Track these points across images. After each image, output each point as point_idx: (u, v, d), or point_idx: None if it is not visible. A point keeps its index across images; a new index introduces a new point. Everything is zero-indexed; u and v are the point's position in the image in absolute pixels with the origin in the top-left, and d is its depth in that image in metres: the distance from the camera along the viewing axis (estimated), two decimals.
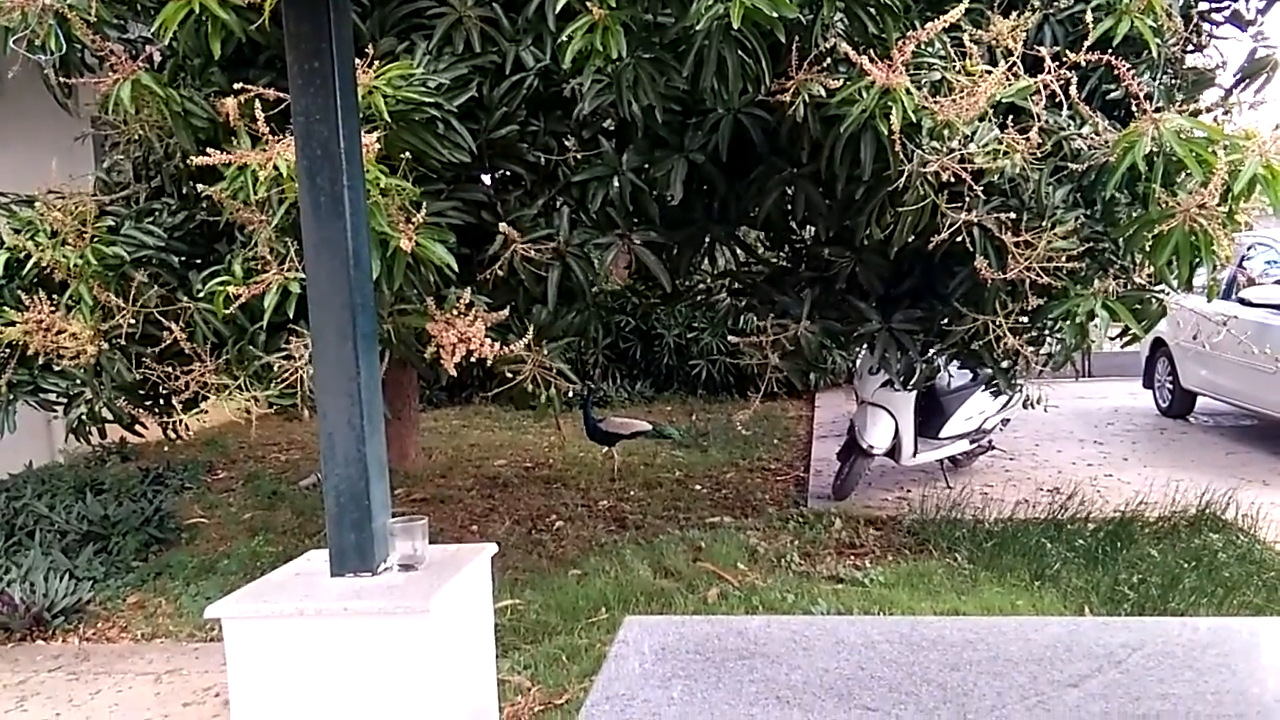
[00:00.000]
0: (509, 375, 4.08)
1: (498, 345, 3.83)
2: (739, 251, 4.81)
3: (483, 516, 6.53)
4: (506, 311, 3.94)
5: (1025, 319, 4.24)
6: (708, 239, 4.57)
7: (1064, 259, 3.83)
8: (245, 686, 1.98)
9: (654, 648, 2.12)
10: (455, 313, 3.65)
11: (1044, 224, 3.88)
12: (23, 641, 4.29)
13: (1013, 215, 3.85)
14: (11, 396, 4.68)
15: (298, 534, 6.11)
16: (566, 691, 3.49)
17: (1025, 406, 5.74)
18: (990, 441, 6.96)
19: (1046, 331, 4.42)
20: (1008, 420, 7.08)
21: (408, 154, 3.50)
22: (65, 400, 4.72)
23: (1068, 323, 4.14)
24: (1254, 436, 7.98)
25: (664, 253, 4.39)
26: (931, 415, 6.51)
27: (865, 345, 4.62)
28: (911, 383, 4.77)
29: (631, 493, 7.14)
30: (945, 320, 4.38)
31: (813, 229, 4.72)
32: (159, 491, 7.07)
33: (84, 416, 4.55)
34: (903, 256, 4.41)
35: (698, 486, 7.34)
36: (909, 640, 2.12)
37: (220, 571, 5.21)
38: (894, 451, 6.32)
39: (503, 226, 3.90)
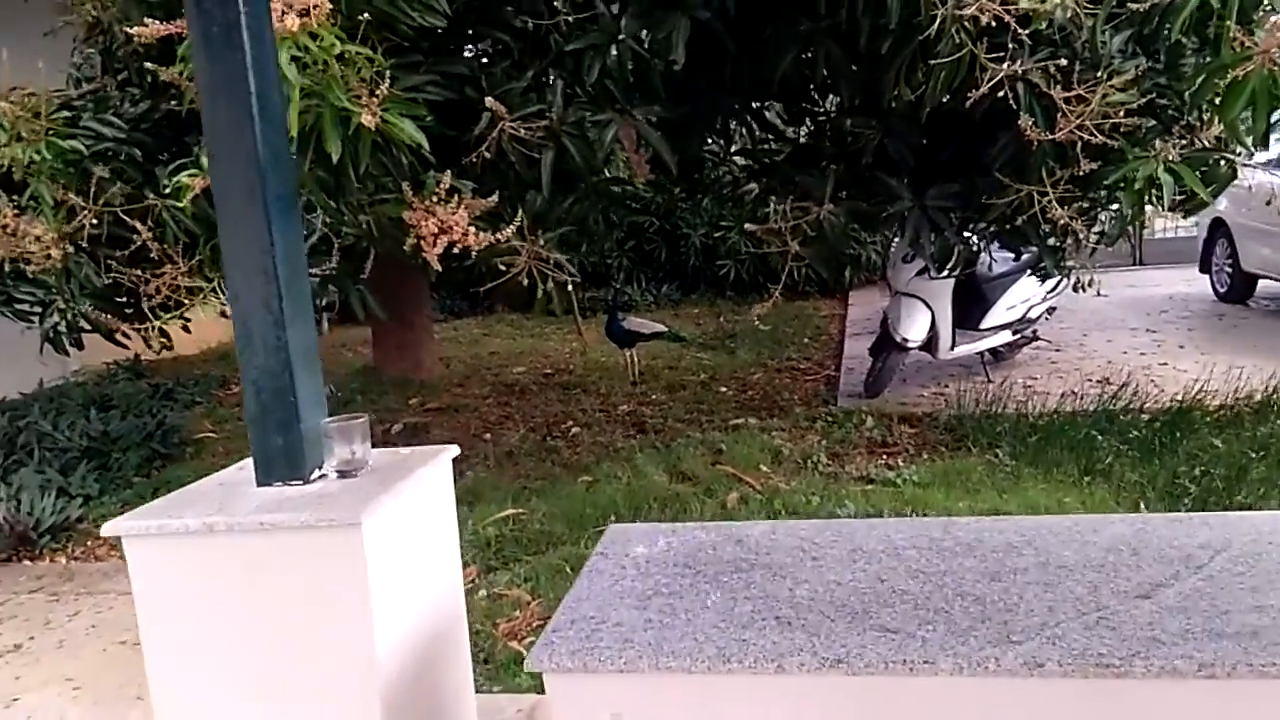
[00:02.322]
0: (503, 268, 3.72)
1: (485, 235, 3.47)
2: (756, 128, 4.35)
3: (497, 424, 6.26)
4: (495, 198, 3.56)
5: (1075, 188, 3.77)
6: (720, 115, 4.11)
7: (1121, 114, 3.35)
8: (154, 613, 1.69)
9: (637, 560, 1.80)
10: (435, 199, 3.27)
11: (1099, 75, 3.39)
12: (8, 562, 4.11)
13: (1063, 65, 3.36)
14: None
15: None
16: None
17: (1075, 290, 5.28)
18: (1035, 332, 6.51)
19: (1099, 203, 3.95)
20: (1054, 309, 6.61)
21: (368, 15, 3.08)
22: (40, 310, 4.45)
23: (1124, 190, 3.67)
24: None
25: (671, 131, 3.95)
26: (971, 304, 6.07)
27: (896, 227, 4.18)
28: (948, 268, 4.33)
29: (653, 396, 6.83)
30: (985, 195, 3.93)
31: (835, 99, 4.23)
32: (167, 406, 6.89)
33: (59, 326, 4.28)
34: (936, 123, 3.94)
35: (723, 389, 7.00)
36: (940, 546, 1.77)
37: None
38: (930, 345, 5.91)
39: (489, 101, 3.49)
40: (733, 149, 4.56)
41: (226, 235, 1.76)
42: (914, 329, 5.74)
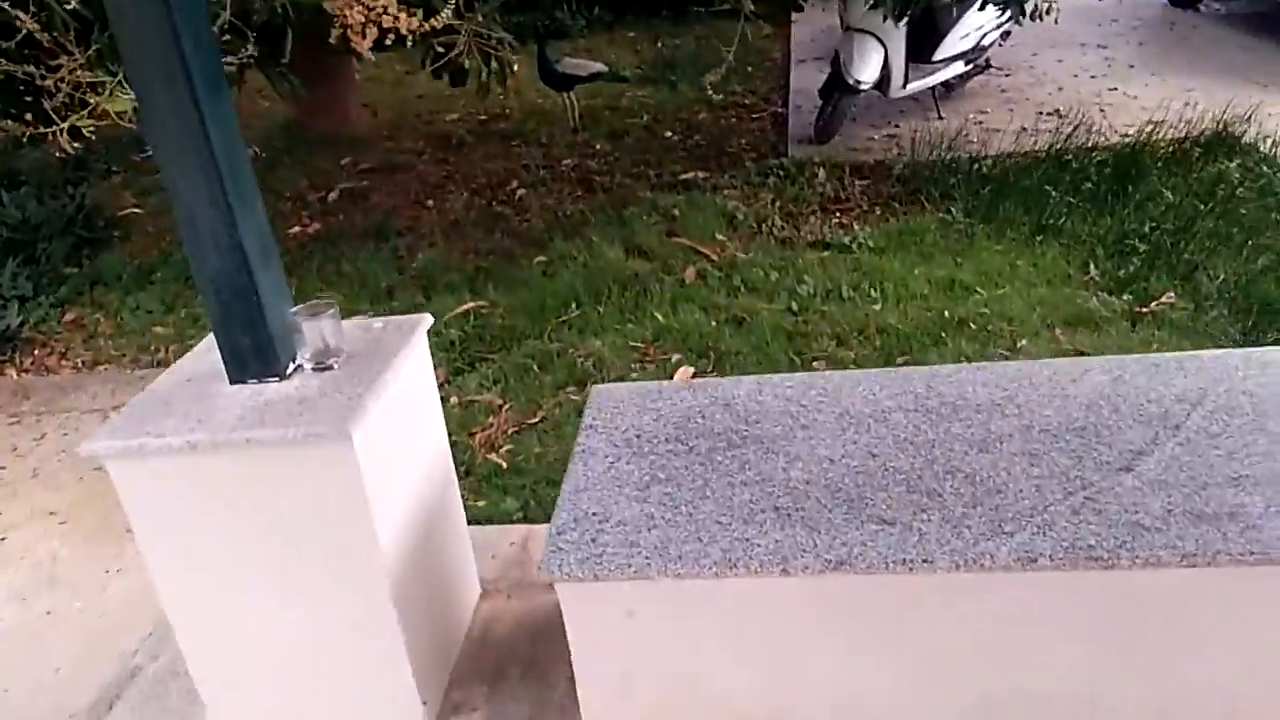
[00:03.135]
0: (440, 50, 3.42)
1: (417, 17, 3.15)
2: None
3: (438, 187, 6.05)
4: None
5: None
6: None
7: None
8: (149, 528, 1.68)
9: (628, 436, 1.81)
10: None
11: None
12: None
13: None
14: None
15: None
16: (540, 408, 3.27)
17: (1031, 19, 5.04)
18: (988, 60, 6.31)
19: None
20: (1008, 33, 6.37)
21: None
22: None
23: None
24: (1270, 29, 7.29)
25: None
26: (923, 36, 5.80)
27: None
28: (910, 15, 4.09)
29: (597, 146, 6.60)
30: None
31: None
32: (83, 179, 6.49)
33: None
34: None
35: (668, 133, 6.78)
36: (926, 407, 1.80)
37: (159, 279, 4.83)
38: (882, 83, 5.71)
39: None
40: None
41: (151, 124, 1.57)
42: (867, 69, 5.51)
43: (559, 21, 10.17)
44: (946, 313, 3.57)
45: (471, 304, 3.94)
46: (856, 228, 4.45)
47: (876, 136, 5.90)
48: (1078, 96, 6.12)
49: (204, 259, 1.64)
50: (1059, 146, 5.02)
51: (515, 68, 3.49)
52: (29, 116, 3.96)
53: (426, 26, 3.05)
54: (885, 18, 4.97)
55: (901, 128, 6.00)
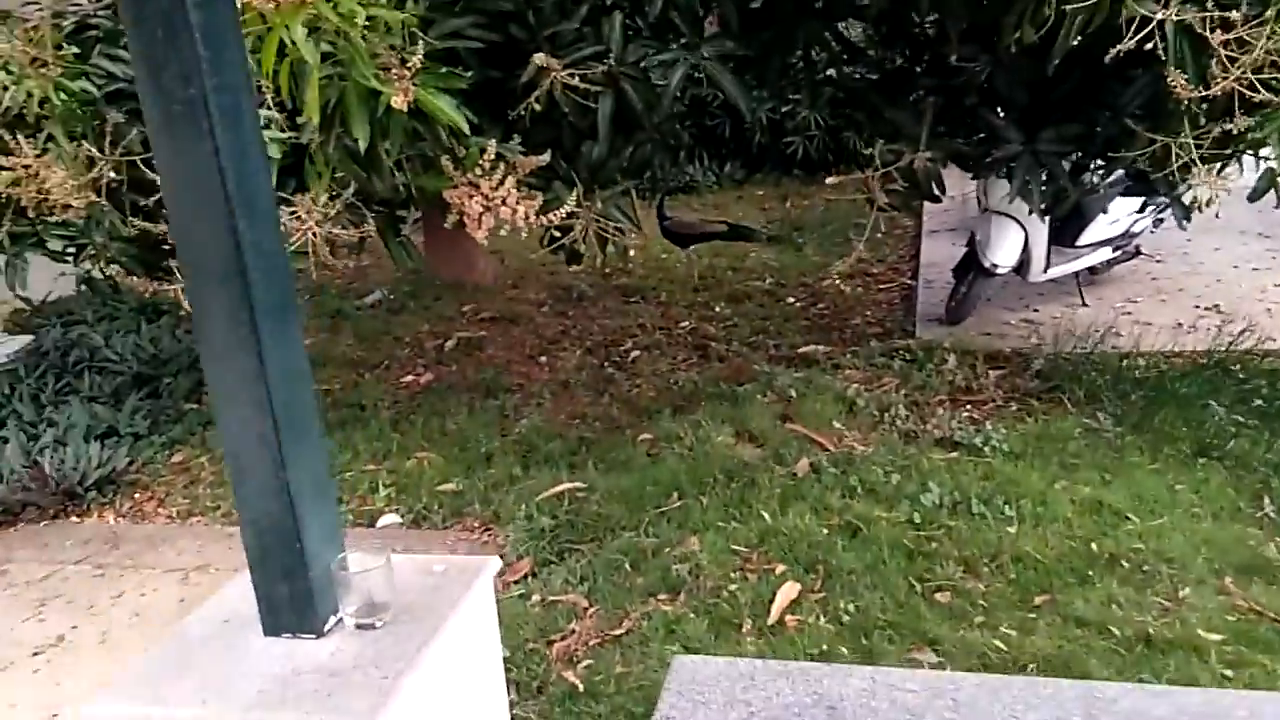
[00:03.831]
0: (556, 234, 3.34)
1: (537, 202, 3.08)
2: (839, 48, 3.79)
3: (553, 342, 5.98)
4: (548, 155, 3.16)
5: (1219, 140, 3.22)
6: (799, 41, 3.57)
7: None
8: None
9: None
10: (478, 172, 2.88)
11: (1266, 14, 2.80)
12: (55, 519, 4.01)
13: (1221, 9, 2.78)
14: (17, 250, 4.17)
15: (359, 366, 5.69)
16: (628, 617, 3.00)
17: (1187, 218, 4.70)
18: (1137, 247, 5.94)
19: (1240, 153, 3.39)
20: (1161, 220, 6.01)
21: None
22: (74, 251, 4.20)
23: (1276, 144, 3.12)
24: None
25: (744, 67, 3.44)
26: (1069, 219, 5.48)
27: (1002, 172, 3.66)
28: (1057, 211, 3.83)
29: (716, 309, 6.47)
30: (1110, 140, 3.39)
31: (934, 21, 3.64)
32: None
33: (98, 269, 4.03)
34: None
35: (790, 299, 6.61)
36: None
37: None
38: (1021, 267, 5.41)
39: (538, 58, 3.02)
40: (814, 76, 4.00)
41: (207, 356, 1.44)
42: (1005, 252, 5.23)
43: (689, 177, 10.30)
44: (1094, 544, 3.16)
45: (568, 485, 3.74)
46: (989, 426, 4.09)
47: (1013, 321, 5.56)
48: (1239, 291, 5.67)
49: (246, 498, 1.48)
50: (1221, 351, 4.58)
51: (632, 251, 3.37)
52: (162, 270, 4.06)
53: (544, 220, 2.96)
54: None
55: (1041, 313, 5.65)
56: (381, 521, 3.80)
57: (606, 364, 5.58)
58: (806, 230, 8.47)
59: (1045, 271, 5.47)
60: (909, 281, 6.73)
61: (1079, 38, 2.85)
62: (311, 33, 2.33)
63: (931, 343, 5.13)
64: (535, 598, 3.11)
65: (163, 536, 3.80)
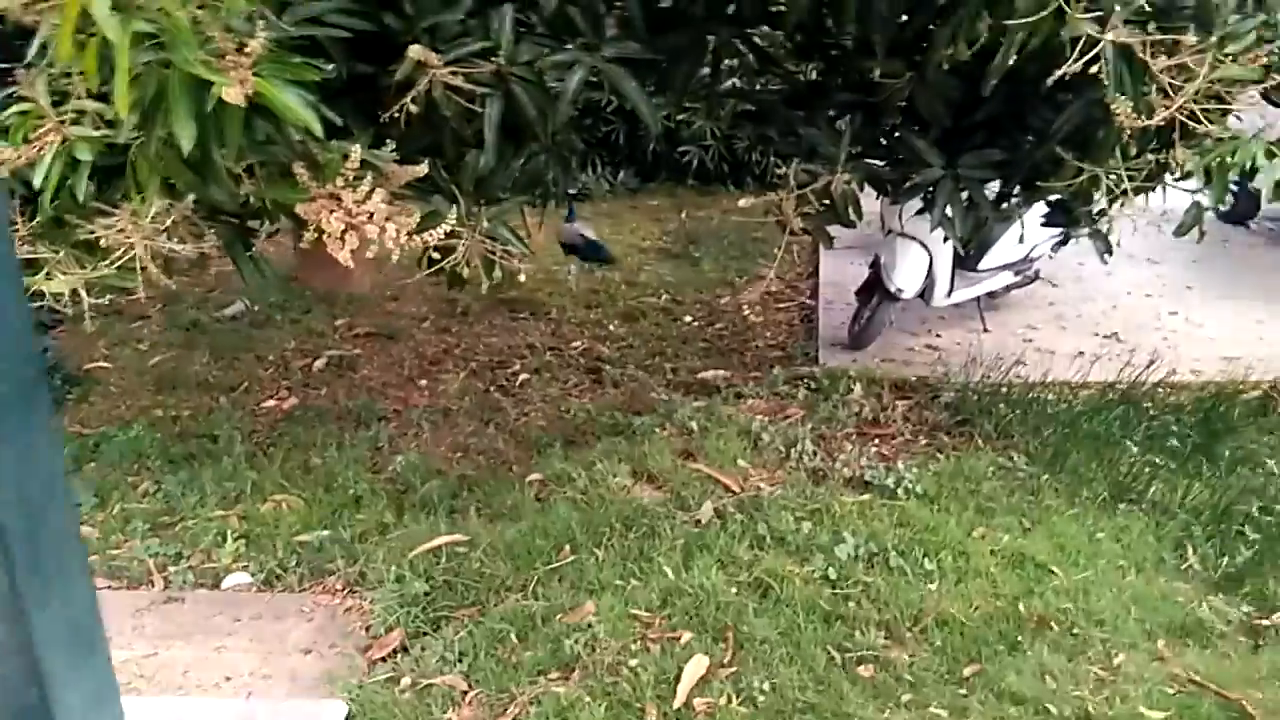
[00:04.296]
0: (435, 256, 2.93)
1: (413, 219, 2.67)
2: (750, 57, 3.48)
3: (434, 363, 5.53)
4: (425, 166, 2.75)
5: (1152, 170, 3.05)
6: (708, 47, 3.24)
7: (1237, 90, 2.61)
8: None
9: None
10: (340, 182, 2.44)
11: (1209, 41, 2.62)
12: None
13: (1162, 29, 2.58)
14: None
15: (213, 389, 5.11)
16: (514, 702, 2.60)
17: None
18: (1036, 272, 5.86)
19: (1171, 185, 3.23)
20: (1063, 242, 5.94)
21: None
22: None
23: (1211, 176, 2.96)
24: None
25: (649, 73, 3.09)
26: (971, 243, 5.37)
27: (920, 198, 3.42)
28: (975, 239, 3.62)
29: (610, 327, 6.13)
30: (1035, 167, 3.19)
31: (853, 34, 3.36)
32: (59, 322, 5.99)
33: None
34: (979, 73, 3.14)
35: (688, 317, 6.32)
36: None
37: (101, 458, 4.23)
38: (925, 292, 5.24)
39: (414, 51, 2.60)
40: (720, 87, 3.68)
41: None
42: (910, 277, 5.05)
43: (581, 184, 9.93)
44: (1020, 604, 2.93)
45: (446, 538, 3.31)
46: (900, 465, 3.85)
47: (916, 347, 5.39)
48: (1135, 319, 5.65)
49: None
50: (1126, 383, 4.48)
51: (522, 276, 2.99)
52: None
53: (420, 242, 2.56)
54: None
55: (944, 338, 5.50)
56: (228, 581, 3.29)
57: (493, 388, 5.16)
58: (702, 244, 8.21)
59: (949, 296, 5.32)
60: (809, 301, 6.52)
61: (1014, 57, 2.60)
62: (120, 8, 1.87)
63: (836, 370, 4.89)
64: (405, 680, 2.68)
65: None
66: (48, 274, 3.06)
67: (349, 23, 2.66)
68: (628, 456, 3.94)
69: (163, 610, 3.10)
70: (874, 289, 5.22)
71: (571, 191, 8.33)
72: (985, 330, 5.54)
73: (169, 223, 2.82)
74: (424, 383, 5.25)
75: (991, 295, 5.80)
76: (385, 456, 4.28)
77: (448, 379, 5.28)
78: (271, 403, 5.02)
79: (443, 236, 2.76)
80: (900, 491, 3.65)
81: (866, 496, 3.65)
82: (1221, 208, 3.11)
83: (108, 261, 2.86)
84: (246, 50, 2.08)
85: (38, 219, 2.99)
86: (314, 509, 3.76)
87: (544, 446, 4.34)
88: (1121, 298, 6.03)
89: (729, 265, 7.51)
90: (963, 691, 2.59)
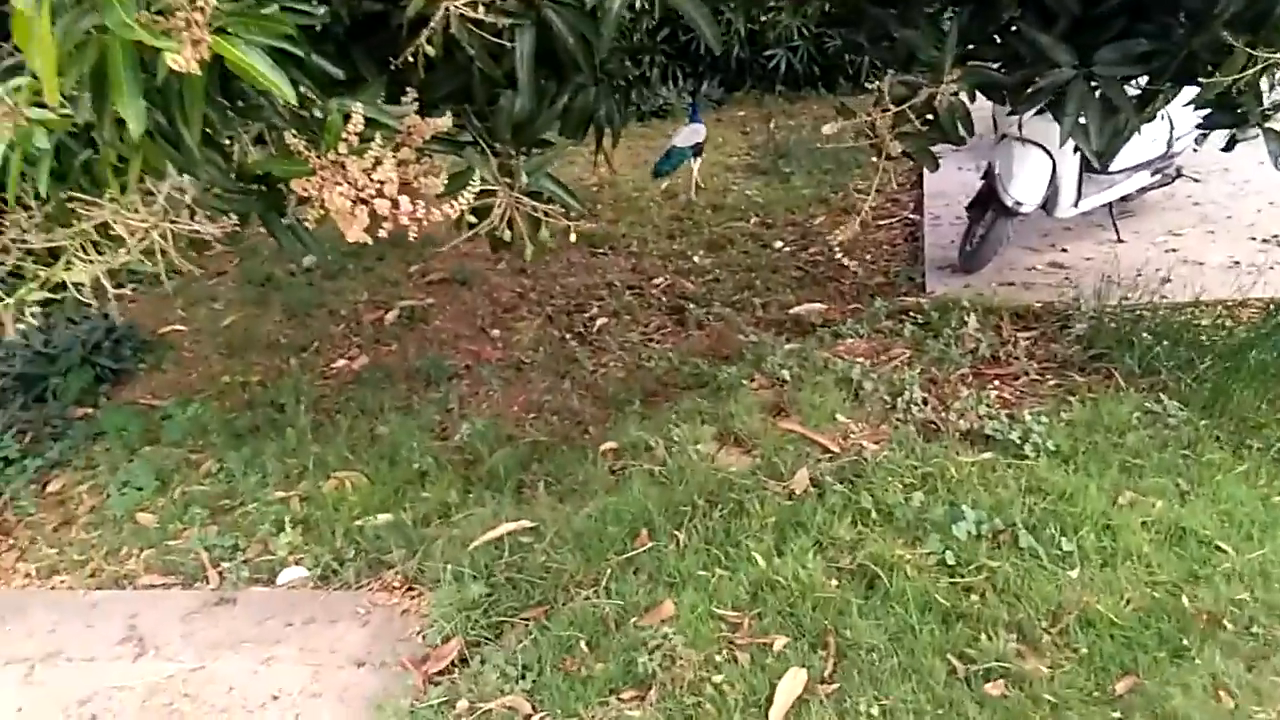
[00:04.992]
0: (472, 221, 2.54)
1: (438, 180, 2.30)
2: None
3: (508, 310, 5.20)
4: (448, 119, 2.35)
5: None
6: None
7: None
8: None
9: None
10: (343, 149, 2.06)
11: None
12: None
13: None
14: None
15: (280, 352, 4.91)
16: None
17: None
18: (1178, 169, 5.12)
19: None
20: (1206, 134, 5.17)
21: None
22: None
23: None
24: None
25: None
26: None
27: (1047, 104, 2.84)
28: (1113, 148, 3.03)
29: (694, 259, 5.68)
30: (1189, 56, 2.58)
31: None
32: (136, 281, 5.86)
33: None
34: None
35: (778, 242, 5.82)
36: None
37: (165, 436, 4.06)
38: (1048, 202, 4.62)
39: None
40: None
41: None
42: (1030, 187, 4.43)
43: (662, 100, 9.35)
44: (1185, 595, 2.46)
45: (510, 526, 2.99)
46: (1026, 414, 3.35)
47: (1039, 266, 4.79)
48: None
49: None
50: None
51: (573, 235, 2.57)
52: None
53: (453, 204, 2.18)
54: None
55: (1071, 253, 4.88)
56: (284, 577, 3.07)
57: (569, 336, 4.81)
58: (793, 157, 7.61)
59: (1076, 205, 4.68)
60: (912, 216, 5.93)
61: None
62: None
63: (946, 299, 4.35)
64: (462, 704, 2.39)
65: (15, 607, 3.06)
66: (67, 263, 2.80)
67: None
68: (712, 416, 3.54)
69: (214, 613, 2.89)
70: (988, 202, 4.62)
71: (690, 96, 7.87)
72: (1120, 241, 4.89)
73: (188, 199, 2.53)
74: (497, 333, 4.94)
75: (1125, 199, 5.12)
76: (454, 421, 4.00)
77: (522, 327, 4.95)
78: (342, 363, 4.79)
79: (477, 195, 2.38)
80: (1028, 448, 3.16)
81: (988, 455, 3.18)
82: None
83: (125, 248, 2.58)
84: (200, 5, 1.69)
85: (48, 205, 2.71)
86: (377, 487, 3.50)
87: (621, 404, 3.98)
88: (1277, 192, 5.25)
89: (822, 180, 6.93)
90: (1116, 714, 2.15)
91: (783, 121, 8.99)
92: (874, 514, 2.92)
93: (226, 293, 5.82)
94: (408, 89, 2.42)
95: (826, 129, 2.64)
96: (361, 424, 4.02)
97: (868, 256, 5.38)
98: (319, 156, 2.08)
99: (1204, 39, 2.51)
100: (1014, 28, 2.76)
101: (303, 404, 4.20)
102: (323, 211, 2.14)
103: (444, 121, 2.35)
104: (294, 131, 2.07)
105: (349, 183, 2.06)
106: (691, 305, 4.91)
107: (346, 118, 2.07)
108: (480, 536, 2.95)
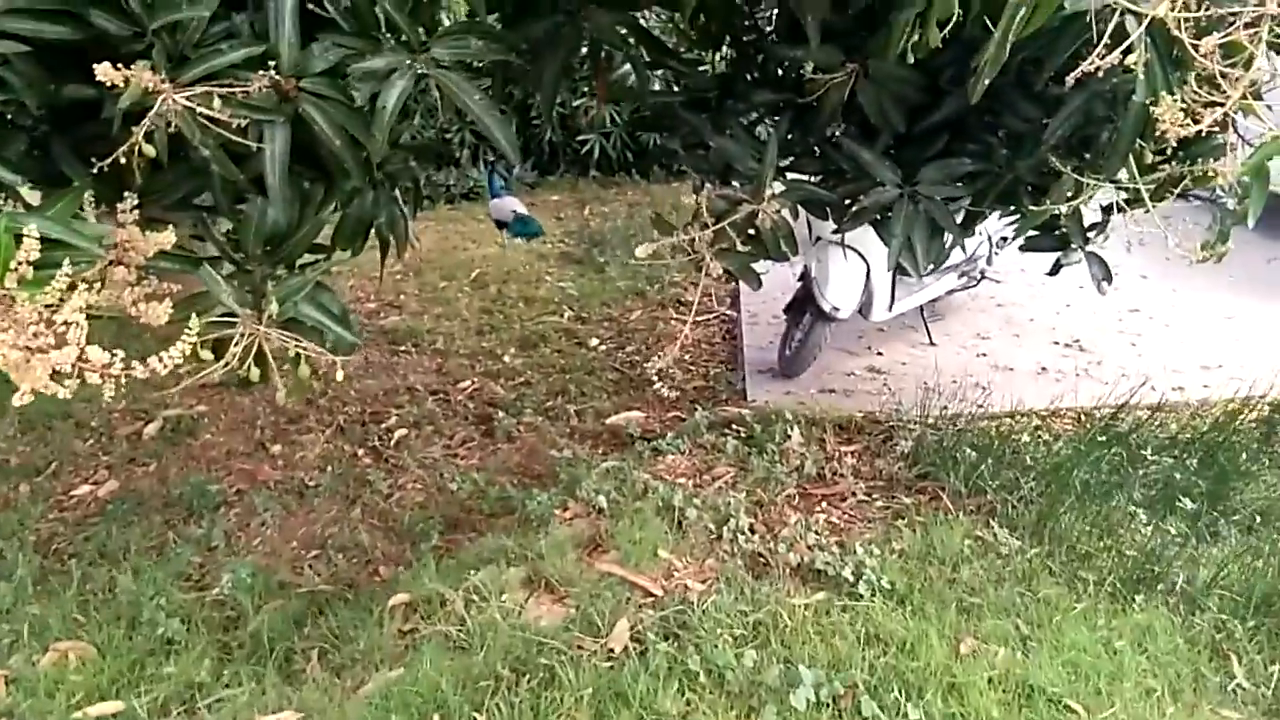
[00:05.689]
0: (207, 355, 2.06)
1: (162, 308, 1.83)
2: (640, 49, 2.65)
3: (293, 422, 4.61)
4: (170, 234, 1.89)
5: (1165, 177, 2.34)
6: (584, 38, 2.41)
7: None
8: None
9: None
10: (16, 281, 1.56)
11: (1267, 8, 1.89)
12: None
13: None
14: None
15: (10, 477, 4.13)
16: None
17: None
18: (982, 271, 5.19)
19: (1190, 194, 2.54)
20: (1006, 239, 5.29)
21: None
22: None
23: (1246, 186, 2.26)
24: None
25: (503, 78, 2.26)
26: None
27: (871, 222, 2.65)
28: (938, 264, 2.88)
29: (505, 358, 5.28)
30: (1014, 178, 2.45)
31: (780, 12, 2.55)
32: None
33: None
34: (938, 62, 2.39)
35: (594, 340, 5.52)
36: None
37: None
38: (864, 307, 4.52)
39: (141, 74, 1.72)
40: (610, 75, 2.85)
41: None
42: (847, 294, 4.31)
43: (473, 182, 9.01)
44: None
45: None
46: (858, 546, 3.11)
47: (857, 371, 4.67)
48: (1094, 320, 5.04)
49: None
50: (1105, 409, 3.83)
51: (340, 375, 2.13)
52: None
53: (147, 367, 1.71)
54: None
55: (886, 355, 4.80)
56: None
57: (362, 451, 4.29)
58: (607, 245, 7.40)
59: (890, 309, 4.61)
60: (729, 313, 5.78)
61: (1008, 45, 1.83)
62: None
63: (768, 410, 4.13)
64: None
65: None
66: None
67: (32, 29, 1.76)
68: (520, 556, 3.11)
69: None
70: (805, 306, 4.48)
71: (491, 160, 7.62)
72: (933, 344, 4.86)
73: None
74: (278, 449, 4.35)
75: (934, 301, 5.13)
76: (217, 565, 3.40)
77: (308, 441, 4.39)
78: (85, 489, 4.06)
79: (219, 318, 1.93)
80: (862, 586, 2.91)
81: (821, 596, 2.90)
82: (1251, 222, 2.41)
83: None
84: None
85: None
86: (108, 661, 2.86)
87: (418, 538, 3.51)
88: (1073, 293, 5.41)
89: (638, 271, 6.72)
90: None
91: (597, 208, 8.82)
92: (703, 678, 2.56)
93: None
94: (125, 192, 1.93)
95: (640, 251, 2.32)
96: (99, 573, 3.35)
97: (686, 357, 5.14)
98: None
99: (1029, 163, 2.38)
100: (834, 140, 2.56)
101: (25, 547, 3.48)
102: None
103: (165, 236, 1.89)
104: None
105: (15, 327, 1.56)
106: (501, 414, 4.50)
107: (18, 239, 1.57)
108: None
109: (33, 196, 1.84)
